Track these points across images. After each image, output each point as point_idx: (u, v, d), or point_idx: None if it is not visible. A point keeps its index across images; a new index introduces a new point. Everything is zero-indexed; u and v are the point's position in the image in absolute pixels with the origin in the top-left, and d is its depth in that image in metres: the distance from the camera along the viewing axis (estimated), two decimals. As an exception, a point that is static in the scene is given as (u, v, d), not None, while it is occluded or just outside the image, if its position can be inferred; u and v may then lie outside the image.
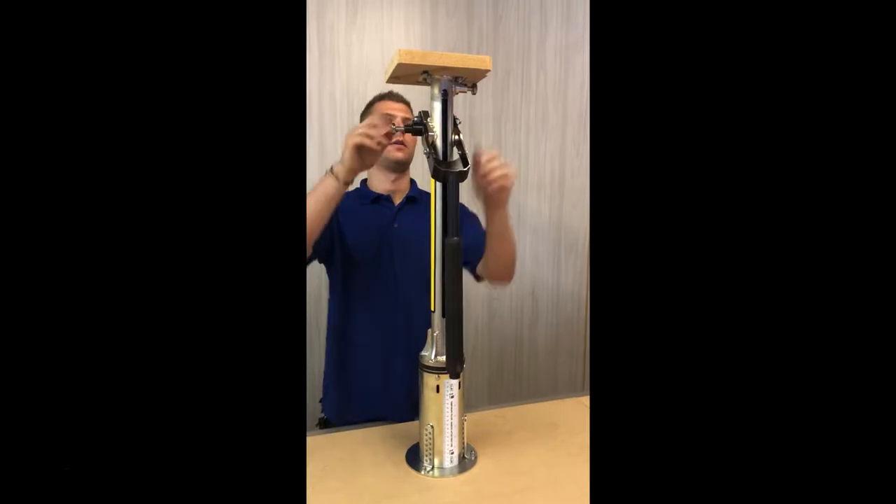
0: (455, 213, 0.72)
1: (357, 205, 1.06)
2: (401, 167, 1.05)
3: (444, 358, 0.77)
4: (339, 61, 1.53)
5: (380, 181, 1.07)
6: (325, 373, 1.10)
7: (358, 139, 0.80)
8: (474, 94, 0.81)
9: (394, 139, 0.98)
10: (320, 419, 1.10)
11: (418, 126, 0.78)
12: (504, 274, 1.00)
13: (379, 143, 0.81)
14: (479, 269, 1.00)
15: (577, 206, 1.83)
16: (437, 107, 0.77)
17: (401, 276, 1.03)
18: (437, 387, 0.79)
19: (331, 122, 1.53)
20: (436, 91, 0.77)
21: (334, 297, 1.07)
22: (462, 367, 0.74)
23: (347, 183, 0.84)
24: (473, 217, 1.07)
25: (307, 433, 0.94)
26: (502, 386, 1.82)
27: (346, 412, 1.05)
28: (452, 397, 0.79)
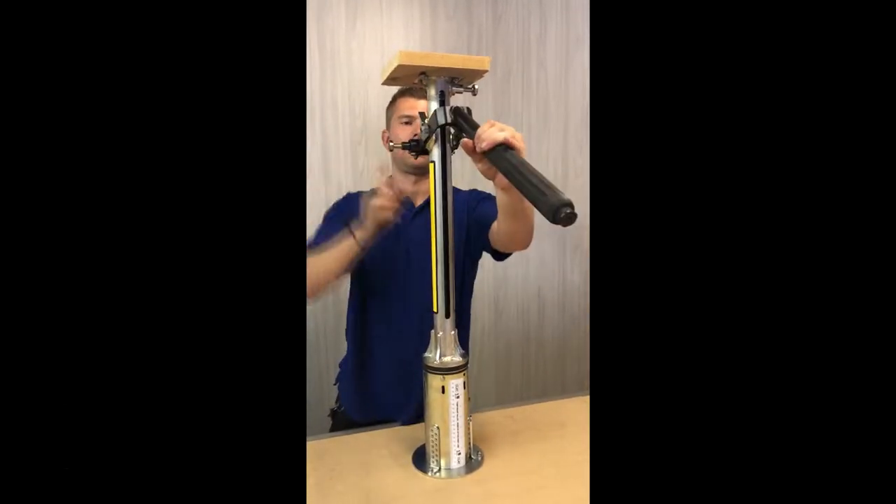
0: (469, 124, 0.72)
1: None
2: (420, 170, 1.04)
3: (448, 359, 0.78)
4: (340, 66, 1.54)
5: (401, 183, 1.07)
6: (344, 360, 1.11)
7: (381, 216, 0.85)
8: (475, 94, 0.81)
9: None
10: (332, 410, 1.10)
11: (414, 142, 0.82)
12: (518, 245, 0.96)
13: (397, 212, 0.86)
14: (493, 239, 0.98)
15: (581, 205, 1.80)
16: (434, 108, 0.78)
17: (415, 277, 1.02)
18: (443, 387, 0.78)
19: (332, 127, 1.54)
20: (433, 93, 0.77)
21: (353, 291, 1.08)
22: (566, 204, 0.54)
23: (365, 248, 0.88)
24: (490, 198, 1.07)
25: (316, 435, 0.94)
26: (510, 387, 1.81)
27: (361, 409, 1.06)
28: (458, 397, 0.79)
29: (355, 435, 0.93)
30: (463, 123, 0.74)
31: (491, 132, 0.66)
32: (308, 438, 0.90)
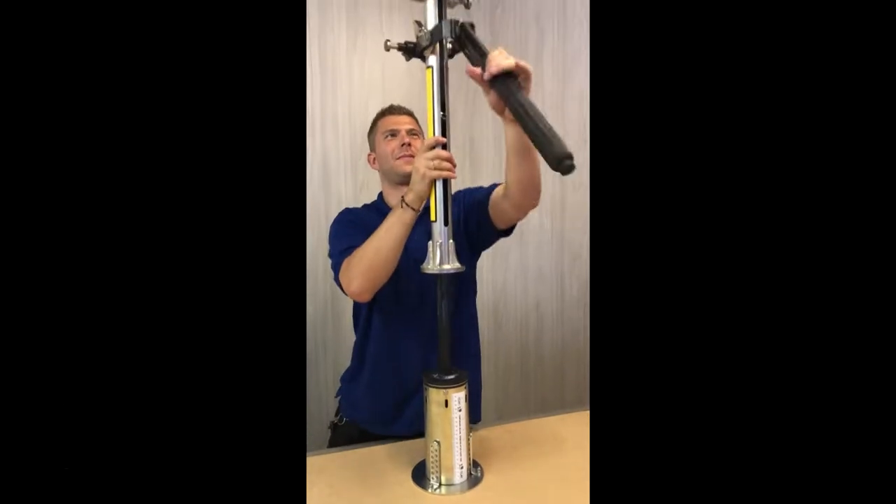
0: (475, 46, 0.72)
1: (377, 218, 1.05)
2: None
3: (448, 266, 0.78)
4: (341, 81, 1.55)
5: (392, 196, 1.05)
6: (348, 373, 1.10)
7: (435, 174, 0.80)
8: (468, 7, 0.81)
9: (402, 153, 1.00)
10: (332, 422, 1.09)
11: (411, 44, 0.82)
12: (527, 199, 0.91)
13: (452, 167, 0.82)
14: (500, 200, 0.94)
15: (579, 219, 1.83)
16: (431, 11, 0.79)
17: (422, 285, 0.99)
18: (446, 401, 0.78)
19: (333, 142, 1.55)
20: (430, 3, 0.79)
21: (359, 310, 1.07)
22: (569, 157, 0.59)
23: (417, 211, 0.85)
24: (477, 188, 1.05)
25: (316, 449, 0.93)
26: (508, 401, 1.80)
27: (357, 412, 1.05)
28: (460, 411, 0.79)
29: (354, 451, 0.93)
30: (469, 46, 0.74)
31: (499, 58, 0.69)
32: (308, 454, 0.90)
